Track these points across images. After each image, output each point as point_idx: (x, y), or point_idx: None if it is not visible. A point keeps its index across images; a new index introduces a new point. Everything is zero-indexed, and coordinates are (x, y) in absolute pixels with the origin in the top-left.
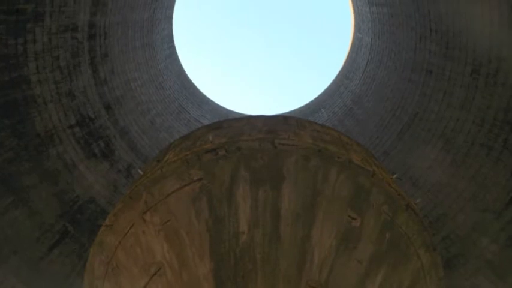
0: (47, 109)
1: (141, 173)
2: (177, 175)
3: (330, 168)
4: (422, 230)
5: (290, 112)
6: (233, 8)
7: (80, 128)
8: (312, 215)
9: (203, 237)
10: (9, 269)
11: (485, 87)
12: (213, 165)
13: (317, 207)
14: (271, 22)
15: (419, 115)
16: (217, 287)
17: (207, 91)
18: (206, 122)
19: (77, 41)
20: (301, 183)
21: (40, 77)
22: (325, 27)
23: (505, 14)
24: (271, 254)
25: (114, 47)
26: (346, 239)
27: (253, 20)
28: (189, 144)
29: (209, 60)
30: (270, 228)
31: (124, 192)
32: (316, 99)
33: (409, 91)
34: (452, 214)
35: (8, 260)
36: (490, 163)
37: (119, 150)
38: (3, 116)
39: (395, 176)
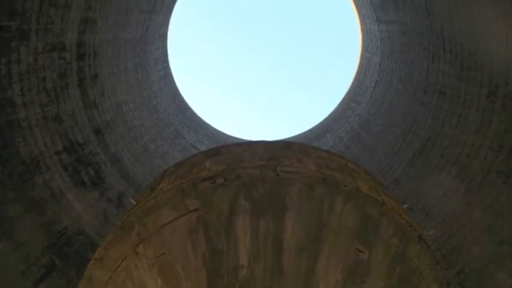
0: (33, 134)
1: (133, 202)
2: (172, 205)
3: (336, 198)
4: (435, 263)
5: (293, 137)
6: (233, 27)
7: (67, 155)
8: (317, 248)
9: (200, 271)
10: None
11: (502, 110)
12: (211, 195)
13: (322, 239)
14: (273, 41)
15: (431, 140)
16: None
17: (205, 115)
18: (203, 148)
19: (64, 61)
20: (305, 214)
21: (25, 99)
22: (331, 47)
23: None
24: None
25: (104, 68)
26: (353, 273)
27: (254, 39)
28: (185, 171)
29: (207, 82)
30: (272, 262)
31: (115, 223)
32: (321, 123)
33: (421, 115)
34: (467, 246)
35: None
36: (508, 191)
37: (110, 178)
38: None
39: (406, 205)
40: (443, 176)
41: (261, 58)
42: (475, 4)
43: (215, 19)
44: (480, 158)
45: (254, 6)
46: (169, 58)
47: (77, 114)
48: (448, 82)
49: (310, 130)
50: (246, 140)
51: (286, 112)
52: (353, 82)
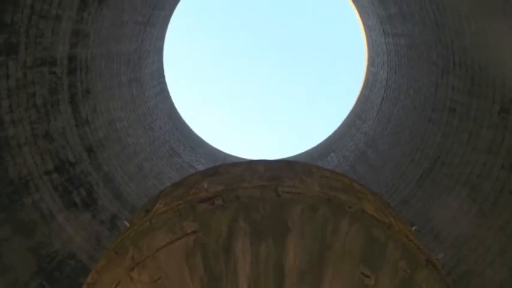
0: (22, 153)
1: (127, 224)
2: (168, 227)
3: (340, 220)
4: None
5: (296, 156)
6: (232, 41)
7: (58, 174)
8: (320, 272)
9: None
10: None
11: None
12: (209, 217)
13: (326, 263)
14: (274, 56)
15: (441, 159)
16: None
17: (202, 132)
18: (201, 167)
19: (55, 76)
20: (308, 236)
21: (14, 116)
22: (335, 61)
23: None
24: None
25: (97, 83)
26: None
27: (255, 54)
28: (182, 192)
29: (204, 98)
30: (273, 287)
31: (108, 246)
32: (325, 141)
33: (430, 132)
34: (478, 270)
35: None
36: None
37: (103, 198)
38: None
39: (414, 228)
40: (453, 197)
41: (261, 73)
42: (486, 17)
43: (214, 32)
44: (492, 178)
45: (255, 19)
46: (165, 73)
47: (68, 131)
48: (458, 98)
49: (313, 148)
50: (245, 159)
51: (288, 130)
52: (358, 98)
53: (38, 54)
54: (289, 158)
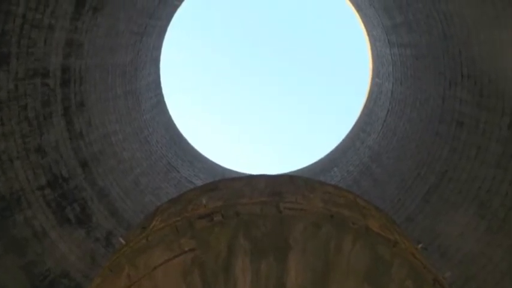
0: (13, 167)
1: (122, 242)
2: (165, 245)
3: (344, 237)
4: None
5: (297, 171)
6: (232, 51)
7: (51, 190)
8: None
9: None
10: None
11: None
12: (208, 233)
13: (329, 282)
14: (275, 67)
15: (448, 174)
16: None
17: (201, 146)
18: (199, 183)
19: (48, 87)
20: (310, 254)
21: (5, 129)
22: (338, 72)
23: None
24: None
25: (91, 95)
26: None
27: (255, 65)
28: (179, 208)
29: (203, 110)
30: None
31: (103, 264)
32: (327, 156)
33: (437, 146)
34: None
35: None
36: None
37: (97, 215)
38: None
39: (420, 245)
40: (461, 213)
41: (262, 84)
42: (496, 26)
43: (213, 42)
44: (501, 194)
45: (256, 29)
46: (162, 84)
47: (61, 145)
48: (466, 111)
49: (315, 163)
50: (245, 173)
51: (290, 143)
52: (362, 111)
53: (30, 65)
54: (291, 172)
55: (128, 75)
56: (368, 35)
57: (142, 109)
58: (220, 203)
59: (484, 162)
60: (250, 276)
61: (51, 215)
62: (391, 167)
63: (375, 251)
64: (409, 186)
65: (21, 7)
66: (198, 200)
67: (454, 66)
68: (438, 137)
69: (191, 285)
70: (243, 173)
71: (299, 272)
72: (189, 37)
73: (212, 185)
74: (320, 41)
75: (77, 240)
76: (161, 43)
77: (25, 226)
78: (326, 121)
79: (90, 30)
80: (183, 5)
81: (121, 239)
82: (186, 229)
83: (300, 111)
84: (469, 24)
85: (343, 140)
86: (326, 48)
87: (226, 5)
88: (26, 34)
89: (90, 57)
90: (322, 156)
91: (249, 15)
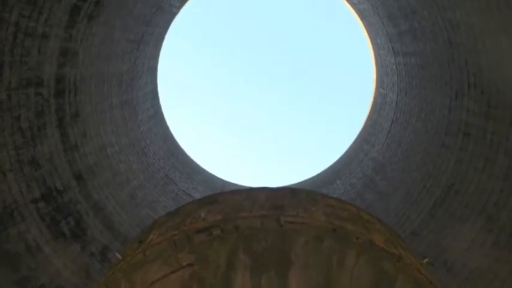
0: (6, 180)
1: (119, 256)
2: (162, 259)
3: (347, 251)
4: None
5: (299, 184)
6: (232, 60)
7: (45, 203)
8: None
9: None
10: None
11: None
12: (206, 248)
13: None
14: (276, 76)
15: (454, 187)
16: None
17: (199, 158)
18: (198, 196)
19: (41, 97)
20: (312, 269)
21: None
22: (341, 82)
23: None
24: None
25: (86, 105)
26: None
27: (255, 74)
28: (177, 222)
29: (202, 121)
30: None
31: (98, 280)
32: (330, 168)
33: (443, 158)
34: None
35: None
36: None
37: (93, 229)
38: None
39: (426, 260)
40: (468, 227)
41: (262, 95)
42: (504, 34)
43: (212, 51)
44: (509, 207)
45: (256, 38)
46: (160, 94)
47: (55, 157)
48: (473, 121)
49: (318, 175)
50: (245, 186)
51: (291, 155)
52: (366, 121)
53: (24, 75)
54: (292, 185)
55: (124, 85)
56: (372, 43)
57: (139, 120)
58: (219, 217)
59: (492, 174)
60: None
61: (45, 229)
62: (396, 180)
63: (379, 266)
64: (415, 199)
65: (14, 15)
66: (197, 214)
67: (460, 76)
68: (444, 149)
69: None
70: (243, 186)
71: None
72: (187, 46)
73: (211, 198)
74: (322, 50)
75: (72, 255)
76: (158, 52)
77: (18, 240)
78: (328, 132)
79: (85, 38)
80: (181, 12)
81: (117, 254)
82: (184, 243)
83: (301, 122)
84: (476, 32)
85: (346, 152)
86: (328, 57)
87: (227, 12)
88: (19, 42)
89: (85, 67)
90: (325, 168)
91: (249, 23)
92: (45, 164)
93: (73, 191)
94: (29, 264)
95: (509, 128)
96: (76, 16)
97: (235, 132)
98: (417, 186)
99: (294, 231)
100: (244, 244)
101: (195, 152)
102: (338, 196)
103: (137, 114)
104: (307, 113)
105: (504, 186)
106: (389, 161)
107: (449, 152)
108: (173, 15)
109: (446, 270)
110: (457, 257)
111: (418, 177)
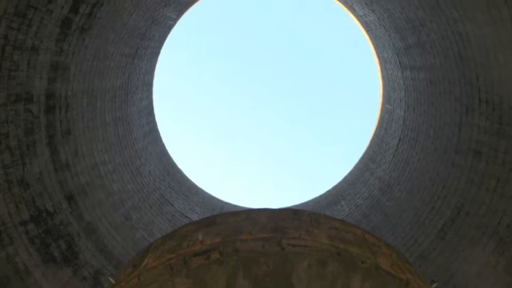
0: None
1: (112, 281)
2: (158, 284)
3: (352, 276)
4: None
5: (302, 205)
6: (230, 76)
7: (35, 225)
8: None
9: None
10: None
11: None
12: (204, 272)
13: None
14: (278, 93)
15: (465, 208)
16: None
17: (197, 178)
18: (195, 217)
19: (31, 114)
20: None
21: None
22: (346, 98)
23: None
24: None
25: (78, 123)
26: None
27: (255, 89)
28: (174, 245)
29: (199, 139)
30: None
31: None
32: (334, 188)
33: (453, 178)
34: None
35: None
36: None
37: (85, 252)
38: None
39: (435, 285)
40: (479, 250)
41: (263, 111)
42: None
43: (209, 66)
44: None
45: (256, 50)
46: (155, 111)
47: (45, 177)
48: (485, 139)
49: (321, 196)
50: (245, 207)
51: (294, 175)
52: (372, 139)
53: (12, 90)
54: (295, 206)
55: (118, 100)
56: (378, 57)
57: (134, 138)
58: (218, 239)
59: (504, 195)
60: None
61: (35, 252)
62: (403, 200)
63: None
64: (423, 221)
65: (2, 27)
66: (194, 236)
67: (471, 91)
68: (454, 168)
69: None
70: (242, 207)
71: None
72: (184, 60)
73: (209, 220)
74: (326, 64)
75: (63, 279)
76: (154, 66)
77: (6, 264)
78: (332, 150)
79: (77, 52)
80: (177, 24)
81: (110, 279)
82: (181, 267)
83: (304, 140)
84: (488, 45)
85: (351, 171)
86: (332, 72)
87: (225, 25)
88: (7, 56)
89: (77, 82)
90: (329, 189)
91: (248, 36)
92: (35, 184)
93: (64, 213)
94: None
95: None
96: (67, 29)
97: (234, 150)
98: (425, 207)
99: (296, 254)
100: (244, 268)
101: (192, 172)
102: (342, 218)
103: (131, 131)
104: (310, 130)
105: None
106: (397, 181)
107: (459, 171)
108: (169, 28)
109: None
110: (467, 281)
111: (426, 197)
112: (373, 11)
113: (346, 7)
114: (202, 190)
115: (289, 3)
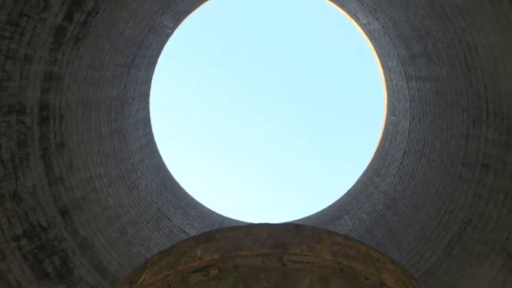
0: None
1: None
2: None
3: None
4: None
5: (304, 219)
6: (230, 86)
7: (28, 240)
8: None
9: None
10: None
11: None
12: None
13: None
14: (278, 104)
15: (472, 223)
16: None
17: (195, 192)
18: (193, 232)
19: (24, 126)
20: None
21: None
22: (349, 109)
23: None
24: None
25: (72, 135)
26: None
27: (255, 100)
28: (171, 261)
29: (197, 152)
30: None
31: None
32: (337, 202)
33: (459, 192)
34: None
35: None
36: None
37: (79, 268)
38: None
39: None
40: (487, 267)
41: (263, 123)
42: None
43: (208, 77)
44: None
45: (256, 61)
46: (152, 123)
47: (39, 191)
48: (493, 152)
49: (324, 210)
50: (245, 222)
51: (295, 189)
52: (376, 152)
53: (4, 101)
54: (296, 221)
55: (114, 112)
56: (382, 67)
57: (130, 150)
58: (217, 255)
59: None
60: None
61: (28, 269)
62: (409, 215)
63: None
64: (429, 236)
65: None
66: (193, 252)
67: (478, 102)
68: (461, 182)
69: None
70: (242, 222)
71: None
72: (181, 70)
73: (208, 235)
74: (329, 74)
75: None
76: (151, 76)
77: None
78: (335, 163)
79: (72, 62)
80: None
81: None
82: (178, 284)
83: (305, 153)
84: (496, 55)
85: (355, 185)
86: (335, 82)
87: (224, 34)
88: None
89: (72, 92)
90: (332, 203)
91: (248, 45)
92: (28, 198)
93: (58, 228)
94: None
95: None
96: (61, 38)
97: (234, 163)
98: (432, 222)
99: (297, 271)
100: (243, 284)
101: (190, 185)
102: (346, 233)
103: (128, 144)
104: (312, 142)
105: None
106: (402, 195)
107: (467, 185)
108: (166, 36)
109: None
110: None
111: (432, 212)
112: (377, 19)
113: (350, 15)
114: (201, 204)
115: (291, 12)
